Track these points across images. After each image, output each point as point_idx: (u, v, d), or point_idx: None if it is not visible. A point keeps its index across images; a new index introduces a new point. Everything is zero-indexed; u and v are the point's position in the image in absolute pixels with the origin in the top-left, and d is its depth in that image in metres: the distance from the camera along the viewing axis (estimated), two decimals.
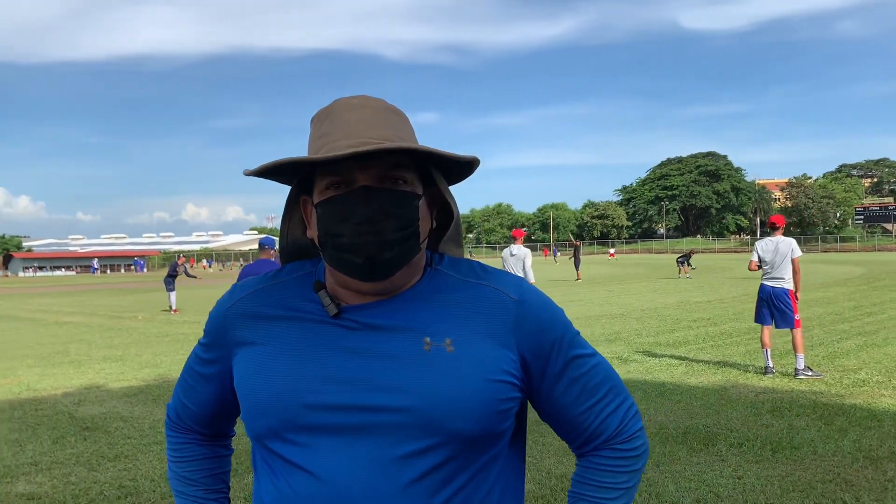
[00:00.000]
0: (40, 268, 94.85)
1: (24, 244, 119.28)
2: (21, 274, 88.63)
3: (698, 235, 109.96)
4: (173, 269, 21.21)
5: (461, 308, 1.14)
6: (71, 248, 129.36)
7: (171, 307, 20.61)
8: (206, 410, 1.31)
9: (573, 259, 33.48)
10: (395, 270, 1.11)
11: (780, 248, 8.38)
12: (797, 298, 8.38)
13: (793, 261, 8.32)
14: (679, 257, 33.10)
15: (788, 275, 8.36)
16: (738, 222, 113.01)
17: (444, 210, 1.28)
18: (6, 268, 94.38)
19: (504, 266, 11.14)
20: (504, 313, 1.14)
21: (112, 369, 10.11)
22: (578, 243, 35.16)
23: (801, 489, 4.54)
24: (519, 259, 11.06)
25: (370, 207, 1.07)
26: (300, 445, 1.09)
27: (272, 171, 1.12)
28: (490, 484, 1.14)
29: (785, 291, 8.36)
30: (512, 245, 11.28)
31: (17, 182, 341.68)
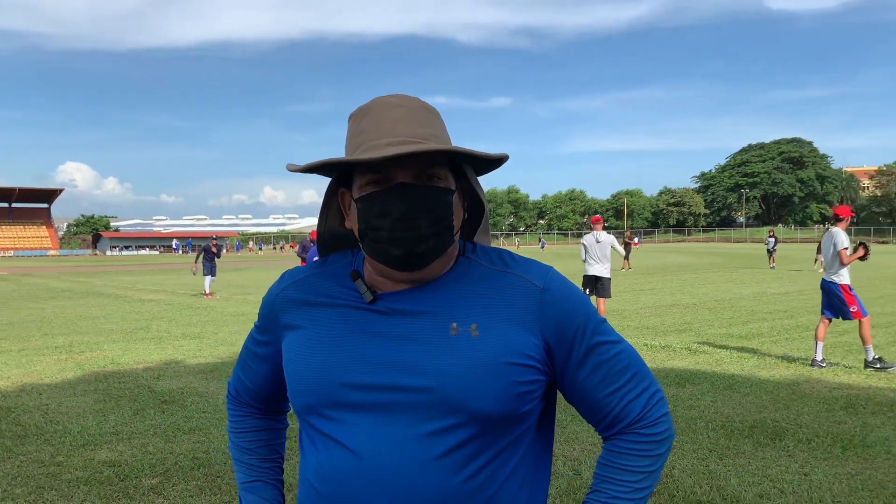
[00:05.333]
0: (126, 247, 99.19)
1: (111, 224, 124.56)
2: (108, 253, 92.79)
3: (780, 224, 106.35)
4: (211, 249, 20.00)
5: (488, 295, 1.20)
6: (154, 229, 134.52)
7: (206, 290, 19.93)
8: (260, 387, 1.42)
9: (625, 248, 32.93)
10: (430, 261, 1.18)
11: (831, 240, 8.27)
12: (849, 290, 8.15)
13: (839, 253, 8.16)
14: (769, 246, 31.73)
15: (837, 268, 8.20)
16: (823, 211, 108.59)
17: (474, 201, 1.34)
18: (95, 247, 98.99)
19: (587, 251, 11.24)
20: (529, 300, 1.20)
21: (190, 346, 10.54)
22: (628, 234, 34.65)
23: (870, 488, 4.40)
24: (606, 245, 11.13)
25: (408, 204, 1.14)
26: (336, 421, 1.18)
27: (314, 167, 1.20)
28: (514, 464, 1.20)
29: (836, 285, 8.25)
30: (598, 232, 11.27)
31: (105, 164, 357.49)
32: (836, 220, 8.38)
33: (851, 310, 8.09)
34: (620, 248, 11.28)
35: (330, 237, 1.36)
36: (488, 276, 1.23)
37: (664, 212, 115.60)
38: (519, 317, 1.19)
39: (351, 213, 1.24)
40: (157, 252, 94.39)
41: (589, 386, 1.23)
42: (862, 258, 8.30)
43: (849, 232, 8.62)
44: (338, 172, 1.27)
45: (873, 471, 4.72)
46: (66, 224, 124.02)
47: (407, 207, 1.13)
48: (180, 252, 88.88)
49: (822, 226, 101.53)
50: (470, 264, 1.25)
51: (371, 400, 1.16)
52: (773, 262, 31.18)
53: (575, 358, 1.21)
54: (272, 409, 1.47)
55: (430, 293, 1.21)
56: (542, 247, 76.30)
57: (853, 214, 8.62)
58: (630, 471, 1.22)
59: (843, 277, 8.15)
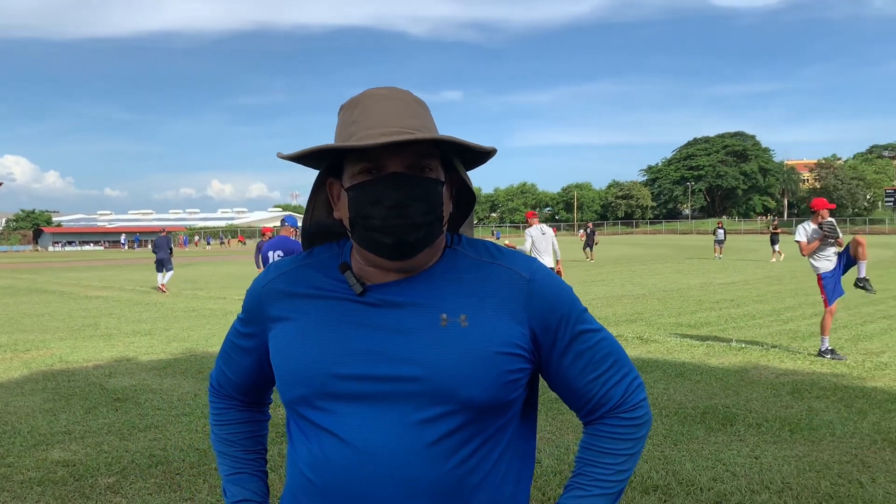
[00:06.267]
0: (69, 242, 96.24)
1: (53, 219, 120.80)
2: (51, 248, 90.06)
3: (724, 216, 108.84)
4: (166, 243, 19.28)
5: (476, 286, 1.23)
6: (99, 224, 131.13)
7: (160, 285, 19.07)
8: (244, 380, 1.42)
9: (586, 240, 33.29)
10: (420, 250, 1.20)
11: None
12: (821, 280, 8.42)
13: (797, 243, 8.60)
14: (718, 238, 32.37)
15: (813, 259, 8.53)
16: (765, 203, 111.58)
17: (461, 194, 1.36)
18: (36, 242, 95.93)
19: (533, 242, 11.62)
20: (516, 290, 1.23)
21: (141, 343, 10.34)
22: (591, 225, 35.08)
23: (817, 469, 4.58)
24: (549, 238, 11.68)
25: (400, 193, 1.15)
26: (328, 412, 1.19)
27: (304, 156, 1.20)
28: (501, 449, 1.24)
29: (816, 276, 8.61)
30: (541, 225, 11.80)
31: (45, 158, 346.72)
32: (811, 212, 8.72)
33: (821, 298, 8.51)
34: (558, 250, 12.02)
35: (316, 228, 1.37)
36: (476, 267, 1.26)
37: (613, 204, 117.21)
38: (507, 307, 1.22)
39: (340, 203, 1.25)
40: (102, 247, 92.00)
41: (572, 373, 1.27)
42: (824, 243, 8.39)
43: (791, 224, 8.93)
44: (327, 162, 1.28)
45: (819, 452, 4.90)
46: (4, 219, 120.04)
47: (400, 196, 1.15)
48: (126, 247, 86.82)
49: (764, 217, 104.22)
50: (457, 256, 1.27)
51: (363, 390, 1.17)
52: (720, 252, 31.98)
53: (559, 346, 1.25)
54: (255, 402, 1.47)
55: (419, 284, 1.23)
56: (497, 236, 77.17)
57: (832, 207, 8.79)
58: (611, 453, 1.26)
59: (817, 268, 8.48)
